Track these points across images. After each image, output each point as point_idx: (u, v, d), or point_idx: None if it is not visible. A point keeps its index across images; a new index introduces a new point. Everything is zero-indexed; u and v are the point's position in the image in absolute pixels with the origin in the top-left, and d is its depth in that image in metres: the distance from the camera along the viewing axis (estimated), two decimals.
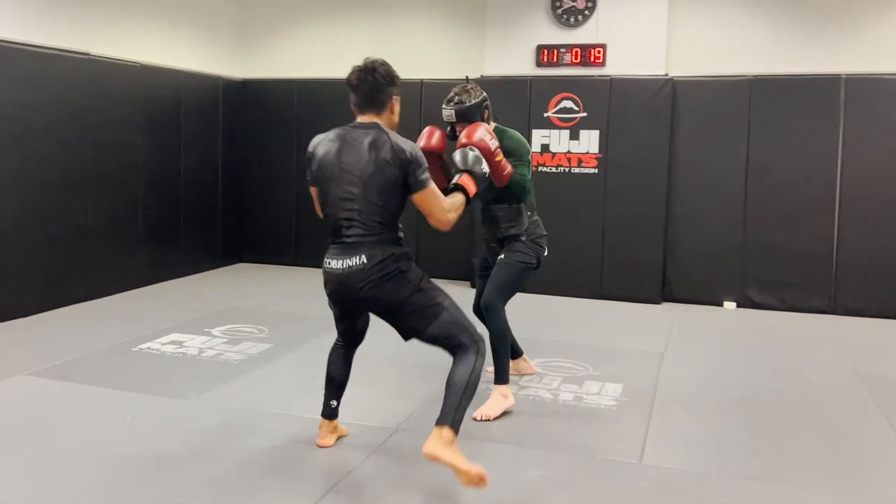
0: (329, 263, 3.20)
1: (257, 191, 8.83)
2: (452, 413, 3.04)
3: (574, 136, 7.36)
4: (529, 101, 7.45)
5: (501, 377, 4.19)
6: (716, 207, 7.28)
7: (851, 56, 6.97)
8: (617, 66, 7.28)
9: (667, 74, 7.25)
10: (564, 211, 7.36)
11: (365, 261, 3.10)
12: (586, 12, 7.31)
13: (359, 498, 3.12)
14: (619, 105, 7.24)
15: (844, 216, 6.95)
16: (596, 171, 7.34)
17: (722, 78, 7.21)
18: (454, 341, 3.16)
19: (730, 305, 7.27)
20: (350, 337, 3.62)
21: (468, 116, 4.06)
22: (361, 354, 5.16)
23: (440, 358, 5.00)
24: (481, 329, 3.84)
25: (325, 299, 3.37)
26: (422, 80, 8.02)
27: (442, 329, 3.15)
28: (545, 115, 7.40)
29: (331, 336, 5.74)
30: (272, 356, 5.10)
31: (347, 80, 3.24)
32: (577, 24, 7.35)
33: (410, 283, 3.15)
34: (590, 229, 7.41)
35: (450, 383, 3.11)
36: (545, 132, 7.42)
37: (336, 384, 3.63)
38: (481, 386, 4.31)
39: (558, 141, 7.39)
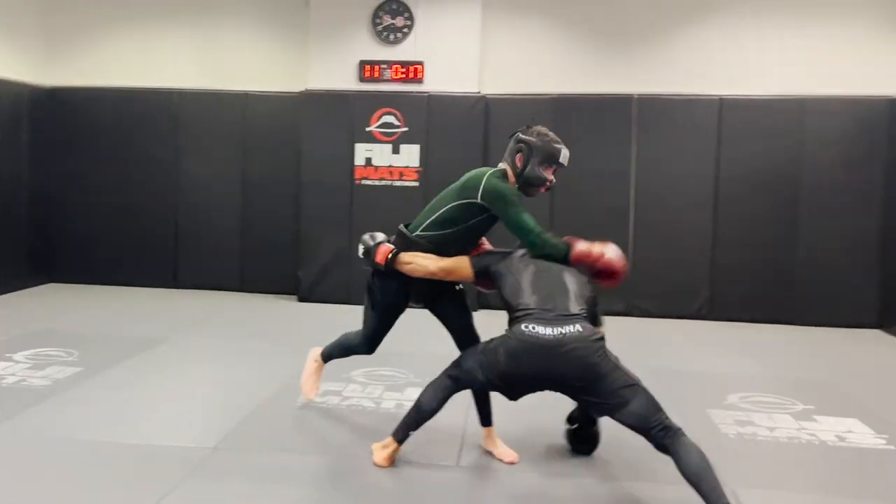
0: None
1: (70, 205, 8.33)
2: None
3: (396, 150, 7.57)
4: (353, 116, 7.59)
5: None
6: None
7: (642, 78, 7.65)
8: (435, 82, 7.57)
9: (480, 92, 7.62)
10: (387, 223, 7.49)
11: None
12: (405, 30, 7.55)
13: None
14: (437, 120, 7.53)
15: (637, 224, 7.61)
16: (417, 183, 7.58)
17: (529, 96, 7.68)
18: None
19: None
20: None
21: None
22: (179, 372, 5.12)
23: (265, 376, 5.08)
24: None
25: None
26: (246, 91, 7.99)
27: None
28: (368, 129, 7.58)
29: (146, 356, 5.68)
30: (81, 380, 4.88)
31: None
32: (397, 41, 7.58)
33: None
34: None
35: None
36: (368, 146, 7.59)
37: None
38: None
39: (381, 155, 7.58)
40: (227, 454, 3.76)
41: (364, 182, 7.60)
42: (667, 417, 3.18)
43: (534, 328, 3.27)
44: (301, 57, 7.93)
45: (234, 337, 6.39)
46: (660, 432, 3.15)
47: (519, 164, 3.66)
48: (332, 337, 6.32)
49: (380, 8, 7.53)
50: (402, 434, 3.66)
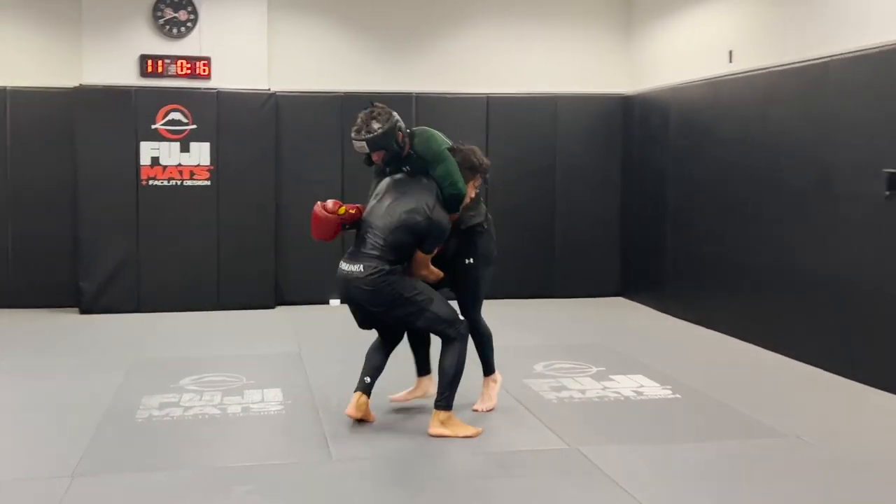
0: None
1: None
2: (444, 397, 3.96)
3: (185, 148, 7.33)
4: (135, 113, 7.21)
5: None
6: None
7: (420, 77, 8.12)
8: (223, 79, 7.44)
9: (270, 89, 7.61)
10: (178, 225, 7.33)
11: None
12: (189, 24, 7.31)
13: None
14: (227, 118, 7.41)
15: None
16: (209, 183, 7.41)
17: (318, 94, 7.82)
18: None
19: (335, 302, 7.94)
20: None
21: (382, 144, 3.97)
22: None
23: (84, 394, 4.79)
24: None
25: None
26: (6, 87, 7.28)
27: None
28: (153, 126, 7.25)
29: None
30: None
31: None
32: (181, 35, 7.32)
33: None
34: (205, 242, 7.46)
35: (440, 370, 4.01)
36: (154, 144, 7.27)
37: (372, 365, 4.21)
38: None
39: (168, 153, 7.29)
40: (91, 480, 3.58)
41: (151, 182, 7.26)
42: (449, 327, 4.03)
43: (342, 264, 4.07)
44: (74, 50, 7.35)
45: (24, 357, 5.90)
46: (442, 336, 4.07)
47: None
48: (129, 348, 6.06)
49: (160, 0, 7.21)
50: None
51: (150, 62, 7.24)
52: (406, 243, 4.01)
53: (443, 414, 4.03)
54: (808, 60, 5.61)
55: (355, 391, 4.19)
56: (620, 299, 8.43)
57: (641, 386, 5.12)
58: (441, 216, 4.03)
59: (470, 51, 8.23)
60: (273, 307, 7.70)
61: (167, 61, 7.27)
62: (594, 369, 5.52)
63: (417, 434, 4.17)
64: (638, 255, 8.16)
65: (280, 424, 4.38)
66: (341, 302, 4.27)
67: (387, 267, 3.94)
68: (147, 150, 7.24)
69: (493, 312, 7.67)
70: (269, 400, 4.77)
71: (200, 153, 7.36)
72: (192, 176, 7.37)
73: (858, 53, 5.19)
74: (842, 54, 5.32)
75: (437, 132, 4.26)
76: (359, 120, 4.01)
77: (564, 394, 4.96)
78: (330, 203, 4.10)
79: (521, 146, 8.23)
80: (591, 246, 8.41)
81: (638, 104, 8.14)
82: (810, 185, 5.59)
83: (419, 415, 4.47)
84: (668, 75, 7.58)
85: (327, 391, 4.98)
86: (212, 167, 7.40)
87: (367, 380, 4.18)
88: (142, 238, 7.31)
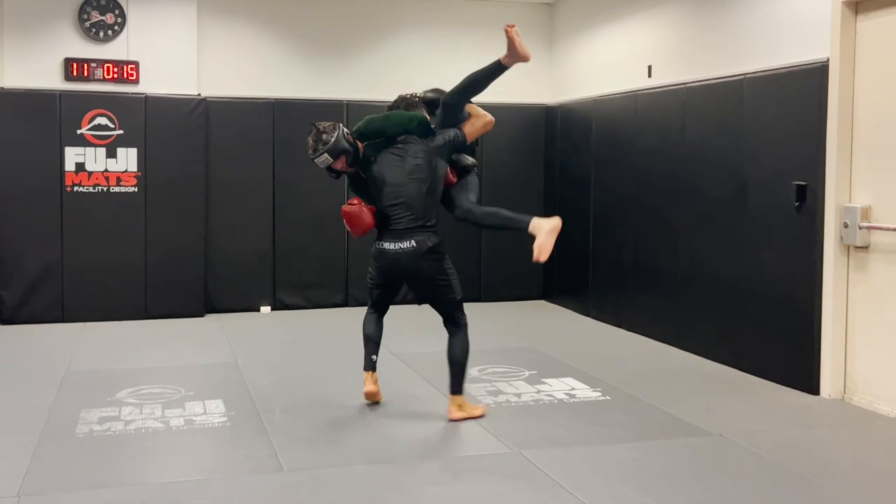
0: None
1: None
2: (458, 383, 4.47)
3: (111, 154, 7.18)
4: (60, 117, 7.01)
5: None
6: (248, 220, 7.84)
7: (352, 85, 8.18)
8: (151, 84, 7.31)
9: (200, 94, 7.52)
10: (104, 232, 7.18)
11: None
12: (116, 27, 7.15)
13: None
14: (156, 123, 7.28)
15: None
16: (136, 189, 7.27)
17: (249, 99, 7.78)
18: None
19: (265, 309, 7.93)
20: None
21: (340, 149, 4.47)
22: None
23: (15, 410, 4.67)
24: None
25: None
26: None
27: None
28: (78, 131, 7.06)
29: None
30: None
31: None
32: (108, 38, 7.16)
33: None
34: (132, 249, 7.31)
35: (453, 358, 4.49)
36: (79, 150, 7.09)
37: (374, 341, 4.67)
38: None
39: (94, 159, 7.12)
40: (38, 499, 3.53)
41: (76, 189, 7.08)
42: (462, 315, 4.56)
43: (388, 245, 4.45)
44: None
45: None
46: (452, 321, 4.56)
47: None
48: (58, 360, 5.91)
49: (86, 3, 7.02)
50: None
51: (75, 65, 7.05)
52: (437, 187, 4.57)
53: (459, 398, 4.53)
54: (724, 77, 5.95)
55: (365, 370, 4.67)
56: (543, 302, 8.69)
57: (573, 389, 5.34)
58: (436, 141, 4.59)
59: (400, 59, 8.33)
60: (202, 315, 7.62)
61: (93, 65, 7.09)
62: (527, 373, 5.71)
63: (365, 443, 4.28)
64: (560, 260, 8.41)
65: (226, 436, 4.39)
66: (383, 278, 4.60)
67: (436, 240, 4.48)
68: (72, 156, 7.05)
69: (422, 317, 7.82)
70: (212, 412, 4.77)
71: (127, 159, 7.21)
72: (118, 182, 7.22)
73: (771, 72, 5.54)
74: (755, 73, 5.68)
75: (369, 116, 4.80)
76: (310, 142, 4.51)
77: (501, 398, 5.12)
78: (355, 201, 4.64)
79: None
80: (515, 251, 8.59)
81: (560, 114, 8.42)
82: (725, 195, 5.93)
83: (365, 424, 4.57)
84: (590, 88, 7.87)
85: (269, 400, 5.00)
86: (139, 173, 7.27)
87: (374, 357, 4.66)
88: (66, 245, 7.12)
